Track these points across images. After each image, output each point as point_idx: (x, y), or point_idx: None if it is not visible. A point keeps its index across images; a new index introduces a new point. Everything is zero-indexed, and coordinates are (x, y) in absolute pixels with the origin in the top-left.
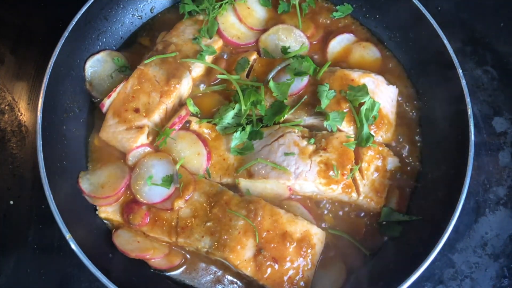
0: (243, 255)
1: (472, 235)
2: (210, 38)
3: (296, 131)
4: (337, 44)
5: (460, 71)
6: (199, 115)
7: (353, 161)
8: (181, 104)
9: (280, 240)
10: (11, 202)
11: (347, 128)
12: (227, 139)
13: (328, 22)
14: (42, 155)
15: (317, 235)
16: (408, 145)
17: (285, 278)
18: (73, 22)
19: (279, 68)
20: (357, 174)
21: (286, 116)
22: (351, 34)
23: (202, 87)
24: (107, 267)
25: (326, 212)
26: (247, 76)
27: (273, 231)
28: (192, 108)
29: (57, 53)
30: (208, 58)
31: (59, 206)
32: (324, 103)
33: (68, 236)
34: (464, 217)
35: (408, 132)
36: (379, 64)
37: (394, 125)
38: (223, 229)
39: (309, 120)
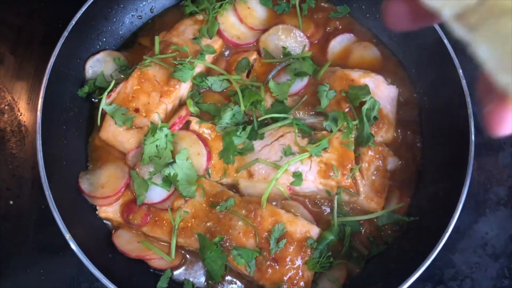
0: None
1: (472, 235)
2: (210, 38)
3: (296, 131)
4: (337, 44)
5: (460, 71)
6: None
7: (353, 161)
8: (181, 104)
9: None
10: (11, 202)
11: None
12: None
13: (328, 22)
14: (42, 155)
15: (317, 235)
16: (408, 145)
17: (285, 278)
18: (73, 22)
19: (279, 68)
20: (357, 174)
21: (286, 116)
22: (351, 34)
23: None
24: (107, 267)
25: (326, 212)
26: (247, 76)
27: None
28: (192, 108)
29: (57, 53)
30: (208, 58)
31: (59, 206)
32: (324, 103)
33: (68, 236)
34: (464, 217)
35: (408, 132)
36: (379, 64)
37: (394, 125)
38: (223, 229)
39: (309, 120)
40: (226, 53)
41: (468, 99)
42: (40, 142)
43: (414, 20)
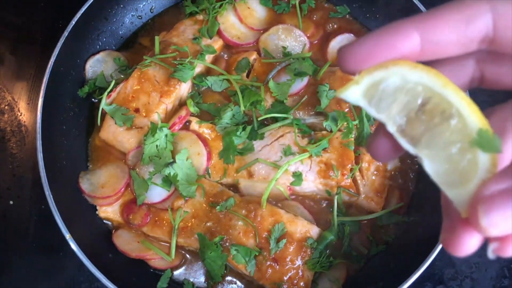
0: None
1: None
2: (210, 38)
3: (296, 131)
4: (337, 44)
5: None
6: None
7: (353, 161)
8: (181, 104)
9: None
10: (11, 202)
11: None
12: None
13: (328, 22)
14: (42, 155)
15: (317, 235)
16: None
17: (285, 278)
18: (73, 22)
19: (279, 68)
20: (357, 174)
21: (286, 116)
22: (351, 34)
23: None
24: (107, 267)
25: (326, 212)
26: (247, 76)
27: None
28: (192, 108)
29: (57, 53)
30: (208, 58)
31: (59, 206)
32: (324, 103)
33: (68, 236)
34: None
35: None
36: None
37: None
38: (223, 229)
39: (309, 120)
40: (226, 54)
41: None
42: (40, 142)
43: (396, 151)
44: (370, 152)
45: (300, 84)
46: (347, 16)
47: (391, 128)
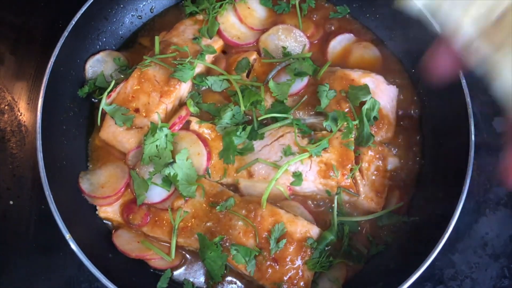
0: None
1: (472, 235)
2: (210, 38)
3: (296, 131)
4: (337, 44)
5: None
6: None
7: (353, 161)
8: (181, 104)
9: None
10: (11, 202)
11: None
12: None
13: (328, 22)
14: (42, 155)
15: (317, 235)
16: (408, 145)
17: (285, 278)
18: (73, 22)
19: (279, 68)
20: (357, 174)
21: (286, 116)
22: (351, 34)
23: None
24: (107, 267)
25: (326, 212)
26: (247, 76)
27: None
28: (192, 108)
29: (57, 53)
30: (208, 58)
31: (59, 206)
32: (324, 103)
33: (68, 236)
34: (464, 217)
35: (408, 132)
36: (379, 64)
37: (394, 125)
38: (223, 229)
39: (309, 120)
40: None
41: (468, 99)
42: (40, 142)
43: (456, 67)
44: (430, 69)
45: (300, 84)
46: (347, 16)
47: (469, 29)
